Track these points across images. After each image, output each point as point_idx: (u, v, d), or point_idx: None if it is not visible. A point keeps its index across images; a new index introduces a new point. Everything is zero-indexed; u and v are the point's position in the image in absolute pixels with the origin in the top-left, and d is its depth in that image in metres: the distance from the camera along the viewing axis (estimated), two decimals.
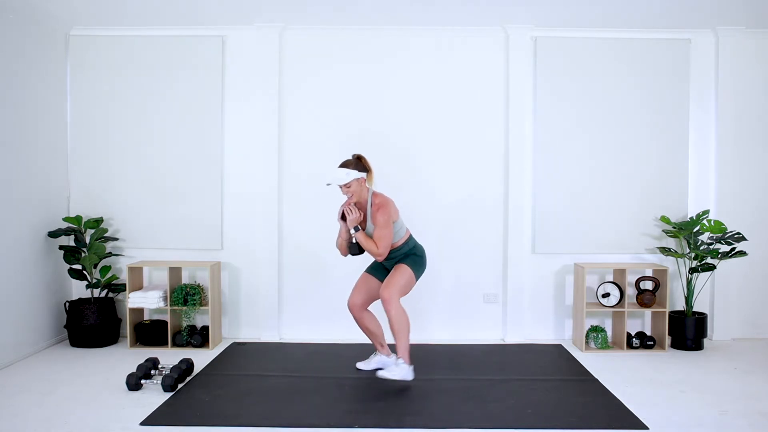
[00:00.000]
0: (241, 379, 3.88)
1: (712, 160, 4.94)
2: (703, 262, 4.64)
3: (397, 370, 3.67)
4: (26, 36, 4.44)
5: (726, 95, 4.89)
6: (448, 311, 4.97)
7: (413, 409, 3.38)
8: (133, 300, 4.61)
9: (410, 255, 3.85)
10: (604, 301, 4.68)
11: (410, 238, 3.90)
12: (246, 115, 4.93)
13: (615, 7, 4.44)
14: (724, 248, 4.79)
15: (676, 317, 4.65)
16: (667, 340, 4.66)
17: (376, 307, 4.08)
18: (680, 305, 4.91)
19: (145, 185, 4.93)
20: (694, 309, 4.83)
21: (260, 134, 4.89)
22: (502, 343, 4.85)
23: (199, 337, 4.61)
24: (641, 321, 4.96)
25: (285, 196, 4.92)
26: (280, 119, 4.89)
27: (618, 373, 4.04)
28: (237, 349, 4.60)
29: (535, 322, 4.96)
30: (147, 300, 4.59)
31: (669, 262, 4.91)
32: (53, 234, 4.62)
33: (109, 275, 4.86)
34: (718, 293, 4.91)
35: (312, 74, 4.91)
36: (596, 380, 3.88)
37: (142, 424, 3.15)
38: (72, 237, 4.79)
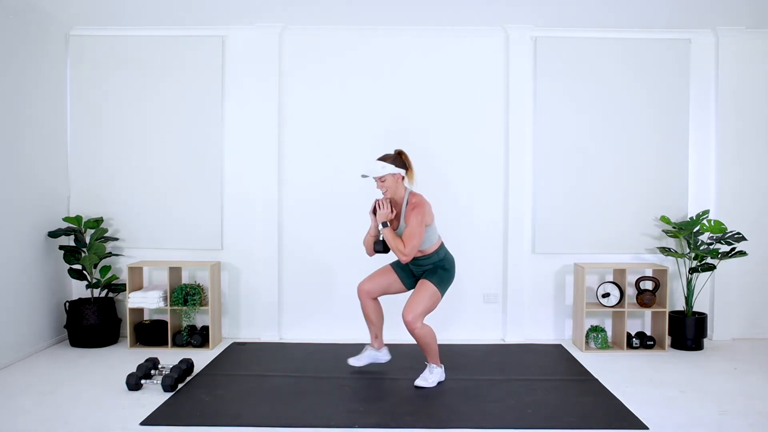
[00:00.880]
0: (241, 379, 3.88)
1: (712, 160, 4.94)
2: (703, 262, 4.65)
3: (432, 376, 3.71)
4: (26, 36, 4.44)
5: (726, 95, 4.89)
6: (448, 311, 4.96)
7: (413, 409, 3.38)
8: (133, 300, 4.61)
9: (439, 268, 3.71)
10: (604, 301, 4.68)
11: (442, 246, 3.77)
12: (246, 115, 4.93)
13: (615, 8, 4.44)
14: (724, 248, 4.79)
15: (676, 317, 4.65)
16: (667, 340, 4.66)
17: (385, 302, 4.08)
18: (680, 305, 4.91)
19: (145, 185, 4.93)
20: (694, 309, 4.83)
21: (260, 134, 4.89)
22: (502, 343, 4.85)
23: (199, 337, 4.61)
24: (641, 321, 4.96)
25: (285, 196, 4.92)
26: (280, 119, 4.89)
27: (618, 373, 4.04)
28: (237, 349, 4.60)
29: (535, 322, 4.96)
30: (147, 300, 4.59)
31: (669, 262, 4.91)
32: (53, 234, 4.62)
33: (109, 275, 4.86)
34: (718, 293, 4.92)
35: (312, 74, 4.91)
36: (596, 380, 3.88)
37: (142, 424, 3.15)
38: (72, 237, 4.79)
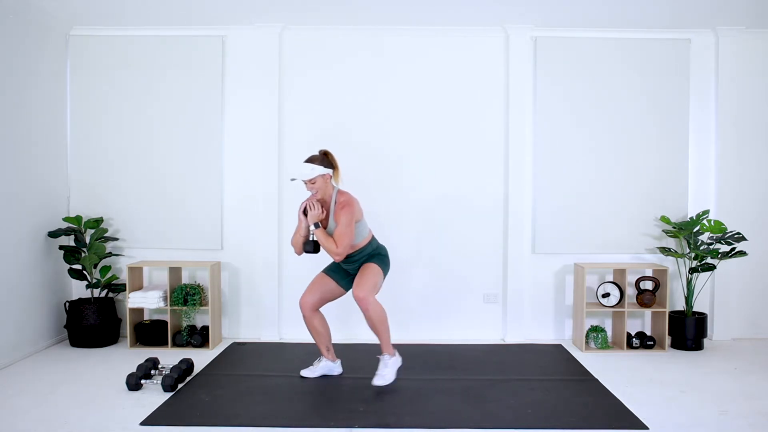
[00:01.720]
0: (241, 379, 3.88)
1: (712, 160, 4.94)
2: (703, 262, 4.64)
3: (387, 370, 3.62)
4: (26, 36, 4.44)
5: (726, 95, 4.89)
6: (448, 311, 4.97)
7: (413, 409, 3.38)
8: (133, 300, 4.61)
9: (375, 255, 3.76)
10: (604, 301, 4.68)
11: (373, 239, 3.82)
12: (246, 115, 4.93)
13: (615, 7, 4.44)
14: (724, 248, 4.79)
15: (676, 317, 4.65)
16: (667, 340, 4.66)
17: (337, 307, 4.01)
18: (680, 305, 4.91)
19: (145, 185, 4.93)
20: (694, 309, 4.83)
21: (260, 133, 4.89)
22: (502, 343, 4.85)
23: (199, 337, 4.61)
24: (641, 321, 4.96)
25: (285, 196, 4.92)
26: (280, 118, 4.89)
27: (618, 373, 4.04)
28: (237, 349, 4.60)
29: (535, 322, 4.96)
30: (147, 300, 4.59)
31: (669, 262, 4.91)
32: (53, 234, 4.62)
33: (109, 275, 4.86)
34: (718, 293, 4.91)
35: (312, 74, 4.91)
36: (596, 380, 3.88)
37: (142, 424, 3.15)
38: (72, 237, 4.79)
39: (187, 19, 4.73)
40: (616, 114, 4.90)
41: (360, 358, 4.18)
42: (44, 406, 3.40)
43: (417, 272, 4.94)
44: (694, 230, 4.67)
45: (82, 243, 4.71)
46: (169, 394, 3.58)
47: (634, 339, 4.64)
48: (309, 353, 4.42)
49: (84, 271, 4.73)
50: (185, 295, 4.64)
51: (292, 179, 3.72)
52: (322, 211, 3.63)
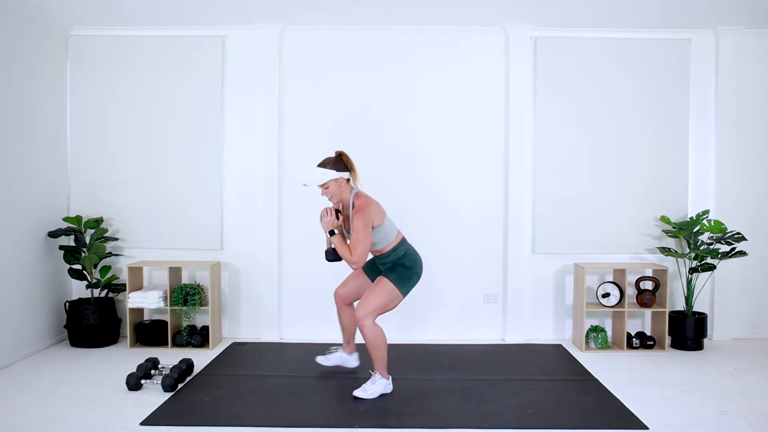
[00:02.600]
0: (241, 379, 3.88)
1: (712, 160, 4.94)
2: (703, 262, 4.64)
3: (374, 387, 3.50)
4: (26, 36, 4.44)
5: (726, 95, 4.89)
6: (448, 311, 4.97)
7: (413, 409, 3.38)
8: (133, 300, 4.61)
9: (398, 266, 3.54)
10: (604, 301, 4.68)
11: (401, 244, 3.58)
12: (246, 115, 4.93)
13: (615, 7, 4.44)
14: (724, 248, 4.80)
15: (676, 317, 4.65)
16: (667, 340, 4.66)
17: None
18: (680, 305, 4.91)
19: (145, 185, 4.93)
20: (694, 309, 4.83)
21: (260, 133, 4.89)
22: (502, 343, 4.85)
23: (199, 337, 4.61)
24: (641, 321, 4.96)
25: (285, 196, 4.92)
26: (280, 118, 4.89)
27: (618, 373, 4.04)
28: (237, 349, 4.60)
29: (535, 322, 4.96)
30: (147, 300, 4.59)
31: (669, 262, 4.91)
32: (53, 234, 4.62)
33: (109, 275, 4.86)
34: (718, 293, 4.91)
35: (312, 73, 4.91)
36: (596, 380, 3.88)
37: (142, 424, 3.15)
38: (72, 237, 4.79)
39: (187, 19, 4.73)
40: (616, 114, 4.90)
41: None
42: (44, 406, 3.40)
43: None
44: (694, 230, 4.67)
45: (82, 243, 4.71)
46: (169, 394, 3.58)
47: (634, 339, 4.64)
48: (309, 353, 4.42)
49: (84, 271, 4.73)
50: (185, 295, 4.64)
51: (304, 185, 3.58)
52: (338, 217, 3.49)
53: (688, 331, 4.60)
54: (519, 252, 4.88)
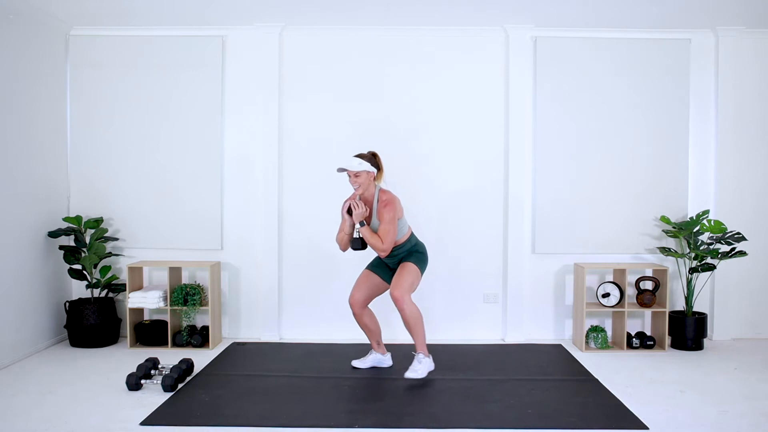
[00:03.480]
0: (241, 379, 3.88)
1: (712, 160, 4.94)
2: (703, 262, 4.64)
3: (421, 366, 3.74)
4: (26, 36, 4.44)
5: (726, 95, 4.89)
6: (448, 311, 4.97)
7: (413, 409, 3.38)
8: (133, 300, 4.61)
9: (414, 252, 3.90)
10: (604, 301, 4.68)
11: (412, 235, 3.96)
12: (246, 115, 4.93)
13: (615, 8, 4.43)
14: (724, 248, 4.80)
15: (676, 317, 4.65)
16: (667, 340, 4.66)
17: (375, 306, 4.09)
18: (680, 305, 4.91)
19: (145, 185, 4.93)
20: (694, 309, 4.83)
21: (260, 132, 4.89)
22: (502, 343, 4.85)
23: (199, 337, 4.61)
24: (641, 321, 4.96)
25: (285, 196, 4.92)
26: (280, 118, 4.89)
27: (618, 373, 4.04)
28: (237, 349, 4.60)
29: (535, 322, 4.96)
30: (147, 300, 4.59)
31: (669, 262, 4.91)
32: (53, 234, 4.62)
33: (109, 275, 4.86)
34: (718, 293, 4.91)
35: (312, 73, 4.91)
36: (596, 380, 3.88)
37: (142, 424, 3.15)
38: (72, 237, 4.79)
39: (187, 19, 4.73)
40: (616, 114, 4.90)
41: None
42: (44, 406, 3.40)
43: None
44: (694, 230, 4.67)
45: (82, 243, 4.71)
46: (169, 394, 3.58)
47: (634, 339, 4.64)
48: (309, 353, 4.43)
49: (84, 271, 4.73)
50: (185, 295, 4.64)
51: (339, 169, 3.80)
52: (366, 209, 3.76)
53: (688, 331, 4.60)
54: (519, 252, 4.88)
